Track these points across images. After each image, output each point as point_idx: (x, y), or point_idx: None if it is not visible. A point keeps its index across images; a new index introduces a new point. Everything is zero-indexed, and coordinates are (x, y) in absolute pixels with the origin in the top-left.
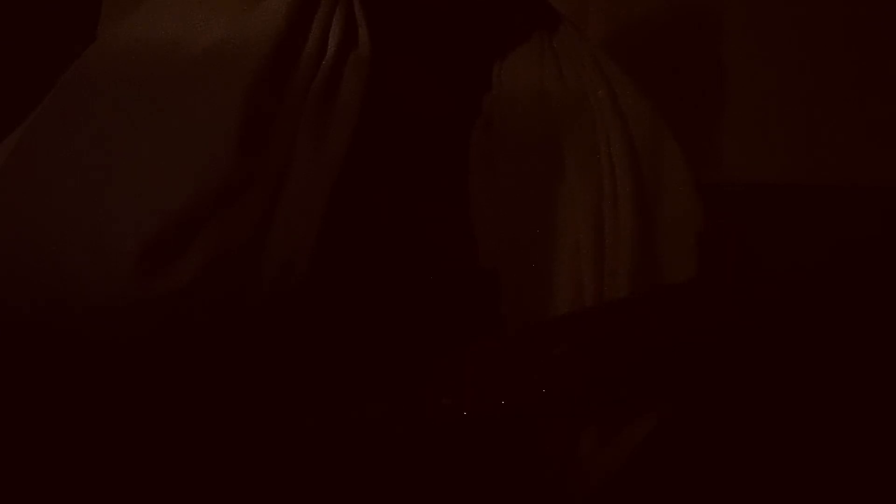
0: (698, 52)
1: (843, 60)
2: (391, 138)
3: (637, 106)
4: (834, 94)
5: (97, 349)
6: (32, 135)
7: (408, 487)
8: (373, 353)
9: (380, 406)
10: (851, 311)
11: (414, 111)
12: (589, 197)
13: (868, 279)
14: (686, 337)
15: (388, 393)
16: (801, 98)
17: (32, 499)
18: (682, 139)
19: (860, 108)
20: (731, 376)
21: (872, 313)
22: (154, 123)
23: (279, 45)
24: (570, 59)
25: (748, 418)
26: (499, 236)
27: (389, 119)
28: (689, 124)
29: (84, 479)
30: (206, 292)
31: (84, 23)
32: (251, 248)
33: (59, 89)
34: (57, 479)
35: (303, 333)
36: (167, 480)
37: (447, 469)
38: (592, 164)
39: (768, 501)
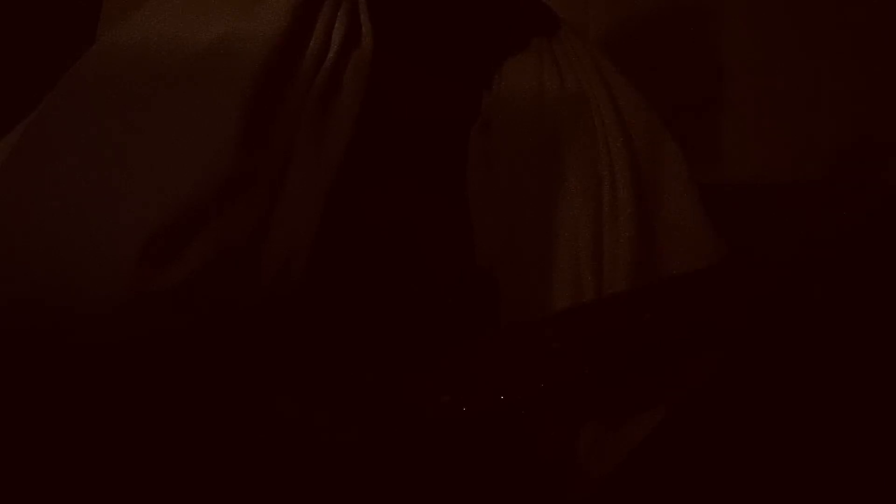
0: (698, 52)
1: (843, 60)
2: (391, 138)
3: (636, 107)
4: (834, 93)
5: (97, 346)
6: (34, 132)
7: (407, 486)
8: (372, 352)
9: (379, 404)
10: (851, 309)
11: (414, 112)
12: (588, 198)
13: (868, 278)
14: (686, 331)
15: (387, 391)
16: (801, 98)
17: (32, 499)
18: (682, 139)
19: (860, 108)
20: (731, 371)
21: (872, 312)
22: (156, 119)
23: (282, 42)
24: (569, 61)
25: (748, 416)
26: (497, 237)
27: (389, 119)
28: (689, 124)
29: (83, 478)
30: (205, 289)
31: (84, 23)
32: (251, 244)
33: (61, 87)
34: (56, 479)
35: (301, 332)
36: (164, 478)
37: (447, 467)
38: (591, 166)
39: (768, 501)
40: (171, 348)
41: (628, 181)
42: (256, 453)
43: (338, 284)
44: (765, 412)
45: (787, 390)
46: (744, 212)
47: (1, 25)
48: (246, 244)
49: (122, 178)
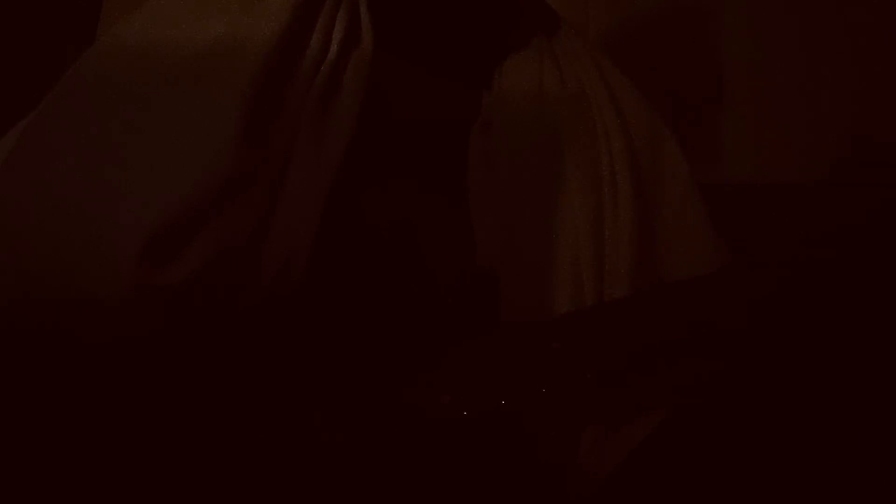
0: (698, 52)
1: (843, 60)
2: (391, 138)
3: (637, 107)
4: (834, 93)
5: (97, 345)
6: (34, 132)
7: (407, 487)
8: (372, 352)
9: (379, 405)
10: (851, 309)
11: (414, 112)
12: (589, 198)
13: (867, 278)
14: (687, 334)
15: (387, 392)
16: (801, 98)
17: (32, 499)
18: (682, 139)
19: (860, 108)
20: (731, 374)
21: (872, 312)
22: (156, 119)
23: (282, 42)
24: (569, 60)
25: (749, 417)
26: (498, 237)
27: (389, 119)
28: (689, 124)
29: (83, 477)
30: (205, 289)
31: (84, 23)
32: (251, 244)
33: (61, 87)
34: (57, 478)
35: (301, 332)
36: (163, 477)
37: (447, 468)
38: (592, 164)
39: (769, 501)
40: (170, 348)
41: (629, 181)
42: (255, 453)
43: (338, 284)
44: (766, 414)
45: (788, 392)
46: (744, 212)
47: (1, 25)
48: (246, 244)
49: (122, 177)
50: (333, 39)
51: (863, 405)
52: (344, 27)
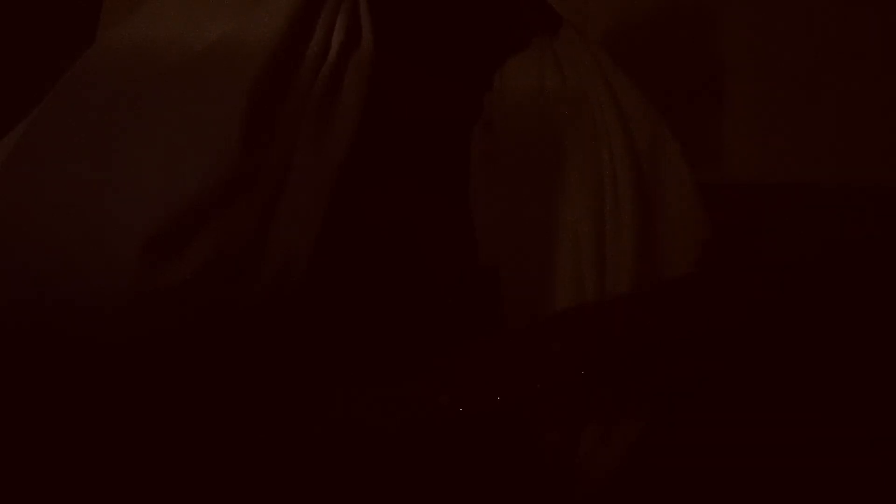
0: (698, 52)
1: (843, 59)
2: (392, 139)
3: (638, 107)
4: (834, 93)
5: (98, 345)
6: (35, 132)
7: (406, 486)
8: (372, 352)
9: (378, 404)
10: (850, 310)
11: (415, 112)
12: (590, 197)
13: (867, 278)
14: (685, 333)
15: (386, 391)
16: (801, 98)
17: (32, 499)
18: (682, 139)
19: (860, 108)
20: (730, 374)
21: (871, 313)
22: (157, 120)
23: (283, 43)
24: (570, 60)
25: (748, 418)
26: (500, 236)
27: (390, 120)
28: (689, 124)
29: (84, 477)
30: (207, 289)
31: (84, 23)
32: (253, 245)
33: (61, 86)
34: (57, 478)
35: (302, 332)
36: (164, 479)
37: (445, 468)
38: (593, 165)
39: (768, 501)
40: (171, 348)
41: (630, 180)
42: (255, 453)
43: (338, 284)
44: (765, 414)
45: (789, 393)
46: (744, 212)
47: (1, 25)
48: (247, 245)
49: (122, 178)
50: (334, 40)
51: (863, 405)
52: (344, 28)
